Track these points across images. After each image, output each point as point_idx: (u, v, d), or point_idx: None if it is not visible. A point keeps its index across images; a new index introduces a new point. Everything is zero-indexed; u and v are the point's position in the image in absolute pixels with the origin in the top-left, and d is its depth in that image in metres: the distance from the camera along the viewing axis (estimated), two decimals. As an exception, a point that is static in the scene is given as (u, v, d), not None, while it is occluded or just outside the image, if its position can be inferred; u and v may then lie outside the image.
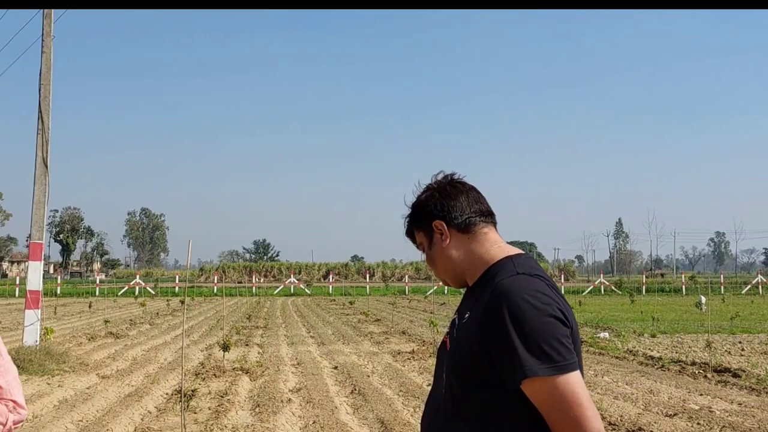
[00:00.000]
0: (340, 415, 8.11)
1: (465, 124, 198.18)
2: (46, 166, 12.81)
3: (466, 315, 1.82)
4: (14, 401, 2.47)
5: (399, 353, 13.93)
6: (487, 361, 1.70)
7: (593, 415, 1.63)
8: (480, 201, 1.95)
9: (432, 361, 12.31)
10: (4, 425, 2.40)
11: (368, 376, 11.20)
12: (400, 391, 9.72)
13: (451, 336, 1.88)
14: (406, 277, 61.82)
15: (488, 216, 1.95)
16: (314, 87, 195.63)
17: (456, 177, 1.99)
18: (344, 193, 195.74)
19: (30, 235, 12.86)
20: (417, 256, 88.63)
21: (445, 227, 1.91)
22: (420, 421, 2.01)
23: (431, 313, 25.99)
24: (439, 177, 1.99)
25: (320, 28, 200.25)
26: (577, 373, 1.66)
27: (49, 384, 10.03)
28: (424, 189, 1.99)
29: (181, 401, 6.95)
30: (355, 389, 9.86)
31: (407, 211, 2.02)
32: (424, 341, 15.65)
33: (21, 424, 2.48)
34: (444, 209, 1.91)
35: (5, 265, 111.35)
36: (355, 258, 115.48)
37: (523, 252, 1.91)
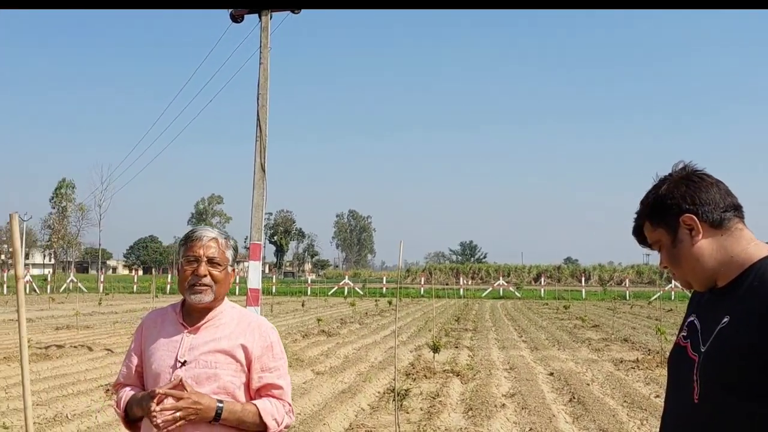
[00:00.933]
0: (559, 424, 7.88)
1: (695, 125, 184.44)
2: (264, 172, 13.83)
3: (724, 319, 1.70)
4: (290, 404, 2.62)
5: (621, 361, 13.29)
6: (764, 371, 1.58)
7: None
8: (731, 194, 1.82)
9: (660, 371, 11.59)
10: (279, 425, 2.53)
11: (588, 384, 10.79)
12: (624, 401, 9.25)
13: (697, 341, 1.77)
14: (627, 281, 58.83)
15: (740, 210, 1.81)
16: (530, 85, 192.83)
17: (698, 169, 1.85)
18: (556, 193, 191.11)
19: (249, 236, 13.97)
20: (638, 258, 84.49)
21: (697, 222, 1.78)
22: None
23: (657, 320, 24.54)
24: (679, 167, 1.86)
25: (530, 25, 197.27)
26: None
27: (269, 377, 10.80)
28: (661, 180, 1.86)
29: (394, 400, 7.15)
30: (574, 397, 9.53)
31: (638, 208, 1.90)
32: (649, 350, 14.79)
33: (288, 428, 2.63)
34: (695, 202, 1.78)
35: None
36: (568, 260, 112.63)
37: None
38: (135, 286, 45.22)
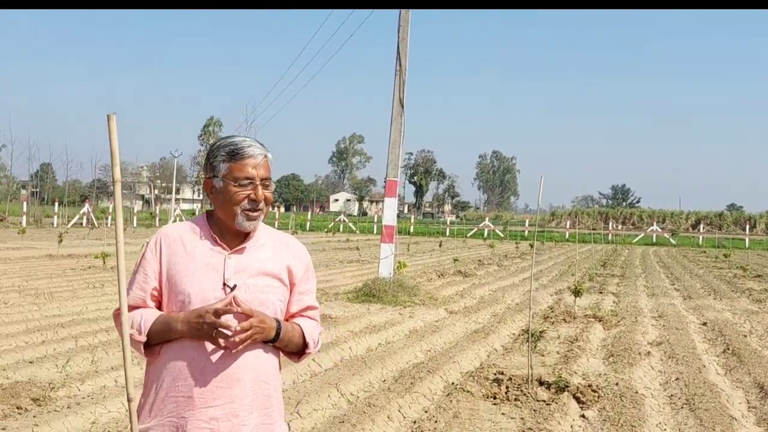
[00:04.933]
0: (709, 375, 7.56)
1: None
2: (402, 106, 13.88)
3: None
4: (320, 326, 2.61)
5: (787, 314, 12.50)
6: None
7: None
8: None
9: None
10: (316, 345, 2.54)
11: (745, 336, 10.24)
12: (788, 356, 8.72)
13: None
14: (800, 229, 54.86)
15: None
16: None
17: None
18: (721, 134, 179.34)
19: (386, 174, 14.15)
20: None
21: None
22: None
23: (833, 272, 22.80)
24: None
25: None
26: None
27: (401, 314, 11.04)
28: None
29: (528, 341, 7.10)
30: (728, 349, 9.08)
31: None
32: (823, 303, 13.80)
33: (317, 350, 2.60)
34: None
35: (365, 204, 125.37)
36: (732, 207, 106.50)
37: None
38: (276, 223, 47.25)
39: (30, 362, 6.87)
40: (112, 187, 2.21)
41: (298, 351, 2.50)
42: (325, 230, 50.90)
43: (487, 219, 54.29)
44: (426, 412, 5.97)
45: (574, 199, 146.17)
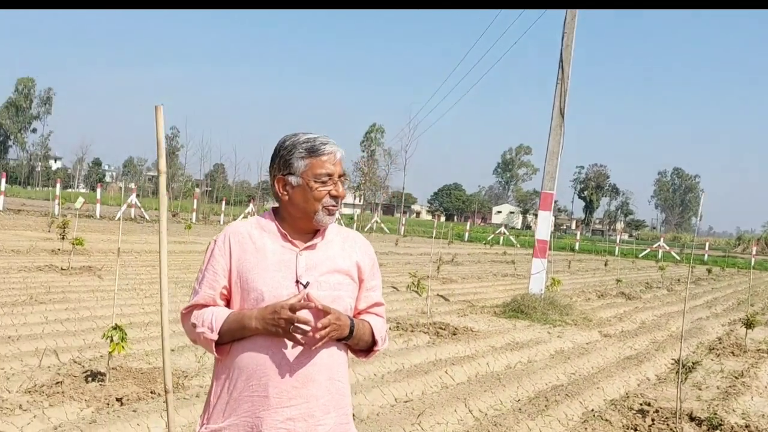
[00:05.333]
0: None
1: None
2: (563, 116, 13.37)
3: None
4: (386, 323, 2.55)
5: None
6: None
7: None
8: None
9: None
10: (383, 342, 2.49)
11: None
12: None
13: None
14: None
15: None
16: None
17: None
18: None
19: (542, 186, 13.66)
20: None
21: None
22: None
23: None
24: None
25: None
26: None
27: (549, 333, 10.57)
28: None
29: (678, 372, 6.51)
30: None
31: None
32: None
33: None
34: None
35: (529, 217, 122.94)
36: None
37: None
38: (434, 231, 47.43)
39: (172, 350, 7.17)
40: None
41: (366, 348, 2.47)
42: (484, 242, 50.34)
43: (662, 240, 51.28)
44: (557, 438, 5.59)
45: (765, 223, 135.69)
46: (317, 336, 2.19)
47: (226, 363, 2.33)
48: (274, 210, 2.48)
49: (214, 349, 2.31)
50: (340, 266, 2.39)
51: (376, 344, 2.46)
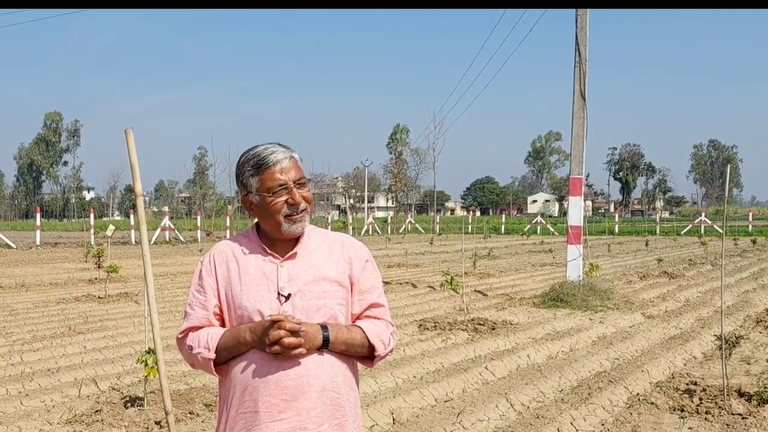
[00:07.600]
0: None
1: None
2: (584, 99, 13.26)
3: None
4: (393, 325, 2.50)
5: None
6: None
7: None
8: None
9: None
10: (386, 347, 2.42)
11: None
12: None
13: None
14: None
15: None
16: None
17: None
18: None
19: (569, 171, 13.55)
20: None
21: None
22: None
23: None
24: None
25: None
26: None
27: (591, 319, 10.47)
28: None
29: (721, 348, 6.40)
30: None
31: None
32: None
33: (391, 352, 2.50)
34: None
35: (566, 204, 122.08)
36: None
37: None
38: (468, 227, 47.18)
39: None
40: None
41: (367, 355, 2.41)
42: (521, 233, 49.97)
43: (703, 214, 50.37)
44: (603, 425, 5.54)
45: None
46: (278, 349, 2.19)
47: (225, 383, 2.37)
48: (257, 225, 2.50)
49: (212, 369, 2.34)
50: (325, 274, 2.38)
51: (375, 349, 2.39)
